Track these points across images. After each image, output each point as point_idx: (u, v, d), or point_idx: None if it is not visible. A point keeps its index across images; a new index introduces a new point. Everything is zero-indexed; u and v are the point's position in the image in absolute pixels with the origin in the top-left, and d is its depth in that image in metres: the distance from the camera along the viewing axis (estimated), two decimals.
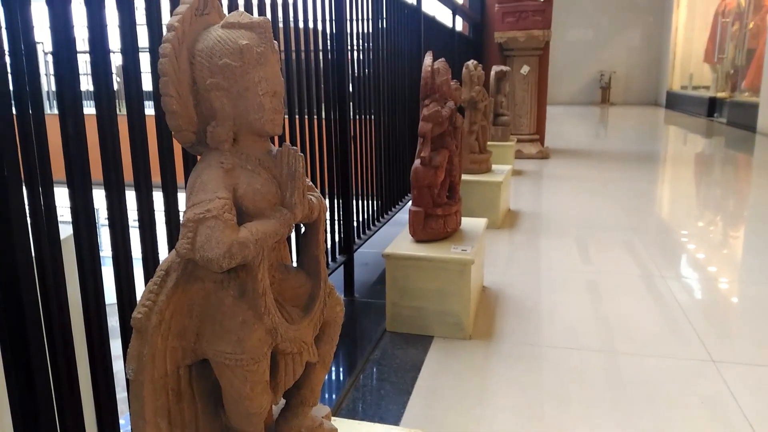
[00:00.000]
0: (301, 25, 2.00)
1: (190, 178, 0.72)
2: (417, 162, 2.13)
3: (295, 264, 0.87)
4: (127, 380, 0.72)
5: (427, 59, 2.18)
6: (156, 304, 0.69)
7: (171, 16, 0.72)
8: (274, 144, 0.81)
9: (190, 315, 0.73)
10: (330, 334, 0.87)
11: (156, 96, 0.74)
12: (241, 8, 1.57)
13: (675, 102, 13.23)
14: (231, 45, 0.71)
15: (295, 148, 0.76)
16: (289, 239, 0.87)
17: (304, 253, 0.85)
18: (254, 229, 0.70)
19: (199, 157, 0.77)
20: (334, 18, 2.32)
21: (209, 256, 0.67)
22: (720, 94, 10.68)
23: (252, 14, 1.57)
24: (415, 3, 3.50)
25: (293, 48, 1.94)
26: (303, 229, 0.85)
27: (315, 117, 2.14)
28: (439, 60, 2.21)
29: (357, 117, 2.62)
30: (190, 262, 0.71)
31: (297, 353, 0.79)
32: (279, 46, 1.78)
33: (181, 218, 0.78)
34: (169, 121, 0.72)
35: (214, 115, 0.73)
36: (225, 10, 1.40)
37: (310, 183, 0.85)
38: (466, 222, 2.42)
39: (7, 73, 0.81)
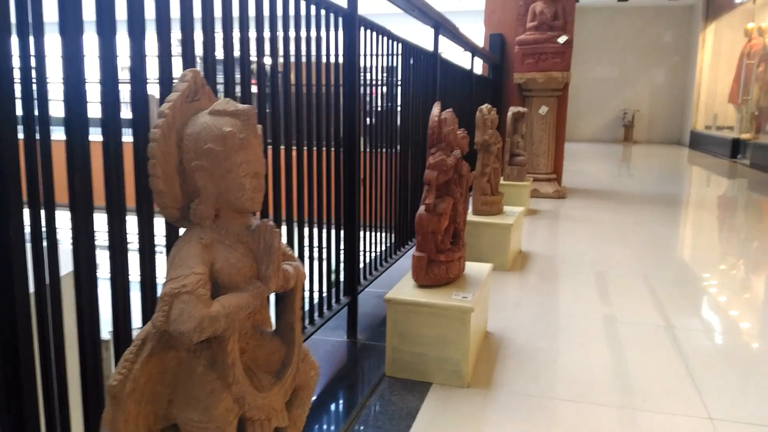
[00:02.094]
0: (313, 60, 2.07)
1: (171, 252, 0.77)
2: (422, 208, 2.18)
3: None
4: None
5: (435, 109, 2.24)
6: (131, 372, 0.74)
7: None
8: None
9: (164, 382, 0.78)
10: (302, 397, 0.91)
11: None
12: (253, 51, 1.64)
13: (699, 142, 13.12)
14: (216, 131, 0.77)
15: (272, 224, 0.81)
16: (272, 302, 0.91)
17: (279, 320, 0.89)
18: (226, 303, 0.75)
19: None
20: (346, 55, 2.38)
21: (181, 330, 0.71)
22: (744, 136, 10.58)
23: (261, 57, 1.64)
24: (432, 48, 3.59)
25: (304, 82, 2.01)
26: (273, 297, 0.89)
27: (324, 151, 2.20)
28: (447, 110, 2.27)
29: (366, 159, 2.67)
30: (166, 332, 0.76)
31: (266, 419, 0.83)
32: (294, 80, 1.84)
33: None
34: (156, 199, 0.78)
35: (197, 193, 0.79)
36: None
37: (290, 252, 0.90)
38: (471, 267, 2.44)
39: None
